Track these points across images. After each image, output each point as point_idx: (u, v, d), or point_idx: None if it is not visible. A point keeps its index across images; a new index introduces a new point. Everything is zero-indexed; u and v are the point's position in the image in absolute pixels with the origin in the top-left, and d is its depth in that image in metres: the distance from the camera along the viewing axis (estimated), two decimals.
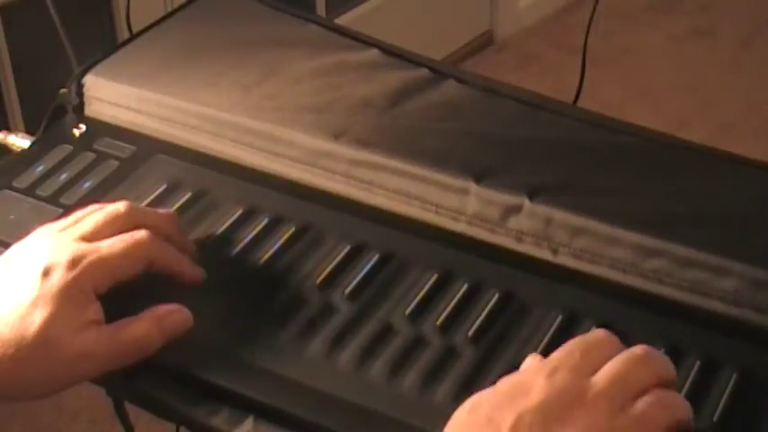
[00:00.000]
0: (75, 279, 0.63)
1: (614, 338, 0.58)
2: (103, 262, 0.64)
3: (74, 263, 0.64)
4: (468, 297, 0.68)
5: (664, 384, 0.56)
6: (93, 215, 0.68)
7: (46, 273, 0.63)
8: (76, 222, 0.68)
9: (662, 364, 0.57)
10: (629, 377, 0.55)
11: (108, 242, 0.66)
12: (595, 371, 0.56)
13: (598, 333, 0.58)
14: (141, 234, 0.66)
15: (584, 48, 1.01)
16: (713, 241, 0.67)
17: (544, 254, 0.70)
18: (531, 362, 0.58)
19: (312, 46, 0.88)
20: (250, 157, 0.79)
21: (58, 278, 0.63)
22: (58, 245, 0.65)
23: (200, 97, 0.82)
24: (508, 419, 0.53)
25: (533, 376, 0.56)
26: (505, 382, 0.56)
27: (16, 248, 0.67)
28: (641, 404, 0.54)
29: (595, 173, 0.75)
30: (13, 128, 1.77)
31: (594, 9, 0.97)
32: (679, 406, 0.56)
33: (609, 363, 0.56)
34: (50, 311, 0.62)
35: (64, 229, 0.67)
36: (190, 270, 0.69)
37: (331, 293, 0.68)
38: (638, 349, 0.57)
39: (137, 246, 0.66)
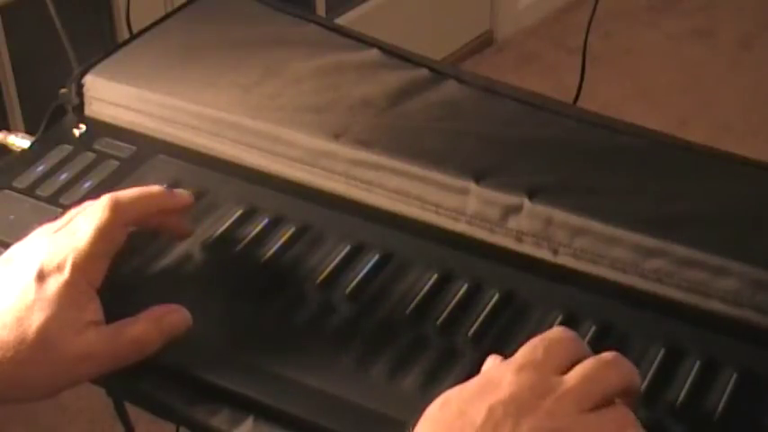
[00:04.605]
0: (69, 280, 0.63)
1: (573, 334, 0.58)
2: (85, 254, 0.64)
3: (65, 263, 0.64)
4: (468, 297, 0.68)
5: (629, 391, 0.57)
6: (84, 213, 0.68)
7: (42, 275, 0.63)
8: (70, 222, 0.68)
9: (630, 371, 0.58)
10: (598, 379, 0.56)
11: (81, 231, 0.65)
12: (559, 368, 0.56)
13: (558, 331, 0.59)
14: (103, 207, 0.66)
15: (584, 48, 1.01)
16: (713, 241, 0.67)
17: (544, 254, 0.70)
18: (493, 361, 0.59)
19: (312, 46, 0.88)
20: (250, 157, 0.79)
21: (54, 280, 0.63)
22: (52, 246, 0.65)
23: (200, 97, 0.82)
24: (481, 412, 0.54)
25: (501, 372, 0.56)
26: (473, 380, 0.57)
27: (14, 250, 0.67)
28: (610, 410, 0.55)
29: (595, 173, 0.75)
30: (13, 128, 1.77)
31: (594, 9, 0.97)
32: (631, 425, 0.56)
33: (579, 365, 0.57)
34: (49, 313, 0.62)
35: (59, 229, 0.67)
36: (172, 200, 0.69)
37: (331, 293, 0.68)
38: (608, 355, 0.57)
39: (103, 224, 0.65)
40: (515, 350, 0.64)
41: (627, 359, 0.58)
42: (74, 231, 0.66)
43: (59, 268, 0.64)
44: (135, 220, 0.68)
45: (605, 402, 0.55)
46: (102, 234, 0.65)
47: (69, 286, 0.63)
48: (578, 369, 0.56)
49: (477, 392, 0.55)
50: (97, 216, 0.66)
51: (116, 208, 0.67)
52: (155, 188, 0.70)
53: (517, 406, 0.54)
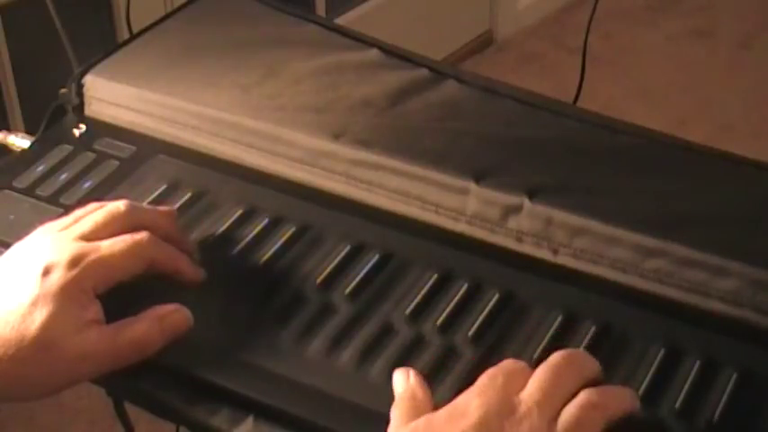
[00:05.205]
0: (75, 278, 0.63)
1: (525, 365, 0.59)
2: (104, 262, 0.64)
3: (74, 262, 0.64)
4: (468, 297, 0.68)
5: (590, 383, 0.58)
6: (93, 214, 0.68)
7: (46, 272, 0.63)
8: (76, 221, 0.68)
9: (584, 364, 0.59)
10: (555, 385, 0.57)
11: (108, 242, 0.66)
12: (520, 390, 0.57)
13: (511, 362, 0.59)
14: (142, 235, 0.67)
15: (584, 48, 1.01)
16: (713, 241, 0.67)
17: (544, 254, 0.70)
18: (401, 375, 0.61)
19: (312, 46, 0.88)
20: (250, 157, 0.79)
21: (58, 277, 0.63)
22: (58, 244, 0.65)
23: (200, 97, 0.82)
24: None
25: (466, 400, 0.57)
26: (440, 411, 0.57)
27: (16, 248, 0.67)
28: (572, 409, 0.56)
29: (595, 173, 0.75)
30: (13, 128, 1.77)
31: (594, 9, 0.97)
32: (611, 400, 0.57)
33: (533, 377, 0.58)
34: (51, 311, 0.62)
35: (64, 228, 0.67)
36: (190, 269, 0.69)
37: (331, 293, 0.68)
38: (556, 357, 0.59)
39: (137, 246, 0.66)
40: (514, 350, 0.64)
41: (578, 352, 0.60)
42: (95, 233, 0.66)
43: (69, 265, 0.63)
44: (156, 264, 0.67)
45: (571, 398, 0.57)
46: (133, 255, 0.66)
47: (74, 284, 0.63)
48: (533, 382, 0.57)
49: (445, 422, 0.56)
50: (140, 238, 0.66)
51: (160, 247, 0.67)
52: (187, 254, 0.70)
53: (487, 429, 0.55)
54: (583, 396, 0.57)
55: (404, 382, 0.60)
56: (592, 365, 0.59)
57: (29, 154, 0.82)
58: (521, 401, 0.56)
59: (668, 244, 0.67)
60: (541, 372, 0.58)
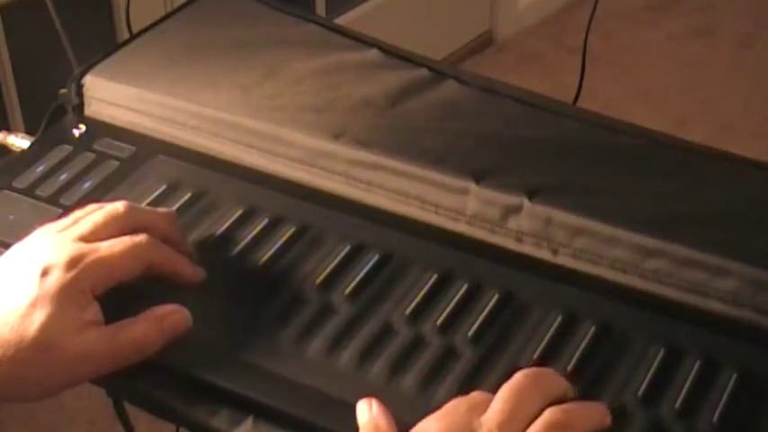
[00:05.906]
0: (73, 279, 0.63)
1: (492, 396, 0.58)
2: (102, 263, 0.64)
3: (72, 263, 0.64)
4: (468, 297, 0.68)
5: (557, 400, 0.57)
6: (92, 215, 0.68)
7: (44, 273, 0.63)
8: (75, 223, 0.68)
9: (549, 382, 0.58)
10: (519, 405, 0.56)
11: (107, 243, 0.66)
12: (482, 414, 0.56)
13: (477, 393, 0.59)
14: (141, 237, 0.66)
15: (584, 48, 1.01)
16: (713, 241, 0.67)
17: (544, 254, 0.70)
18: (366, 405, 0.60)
19: (312, 46, 0.88)
20: (250, 157, 0.79)
21: (57, 278, 0.63)
22: (56, 245, 0.65)
23: (200, 97, 0.82)
24: None
25: (425, 424, 0.56)
26: None
27: (15, 249, 0.67)
28: (535, 429, 0.55)
29: (595, 173, 0.75)
30: (13, 128, 1.77)
31: (594, 9, 0.97)
32: (577, 418, 0.56)
33: (495, 399, 0.57)
34: (49, 312, 0.62)
35: (63, 229, 0.67)
36: (188, 271, 0.69)
37: (331, 293, 0.68)
38: (519, 376, 0.58)
39: (136, 248, 0.66)
40: (514, 350, 0.64)
41: (542, 370, 0.59)
42: (94, 234, 0.66)
43: (68, 266, 0.63)
44: (155, 266, 0.67)
45: (535, 419, 0.56)
46: (132, 257, 0.65)
47: (72, 285, 0.63)
48: (496, 404, 0.57)
49: None
50: (140, 240, 0.66)
51: (159, 249, 0.67)
52: (186, 256, 0.70)
53: None
54: (547, 415, 0.56)
55: (366, 412, 0.60)
56: (558, 383, 0.58)
57: (28, 154, 0.82)
58: (481, 424, 0.56)
59: (668, 244, 0.67)
60: (503, 393, 0.57)
